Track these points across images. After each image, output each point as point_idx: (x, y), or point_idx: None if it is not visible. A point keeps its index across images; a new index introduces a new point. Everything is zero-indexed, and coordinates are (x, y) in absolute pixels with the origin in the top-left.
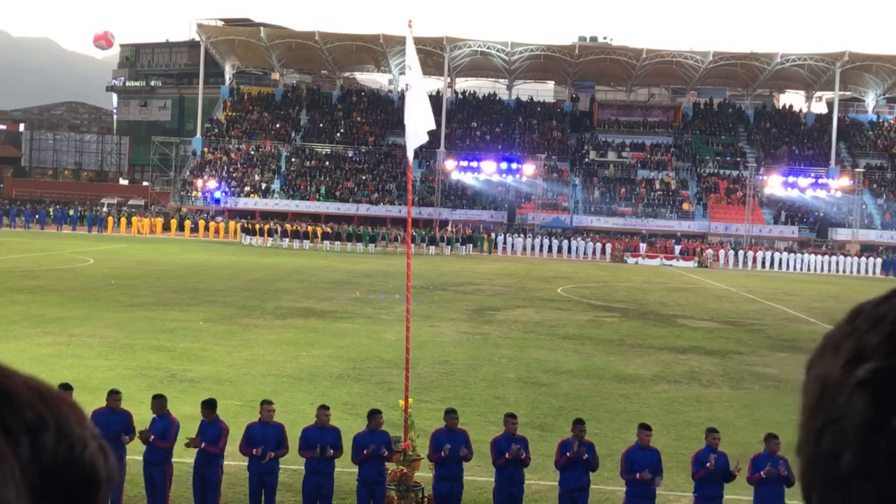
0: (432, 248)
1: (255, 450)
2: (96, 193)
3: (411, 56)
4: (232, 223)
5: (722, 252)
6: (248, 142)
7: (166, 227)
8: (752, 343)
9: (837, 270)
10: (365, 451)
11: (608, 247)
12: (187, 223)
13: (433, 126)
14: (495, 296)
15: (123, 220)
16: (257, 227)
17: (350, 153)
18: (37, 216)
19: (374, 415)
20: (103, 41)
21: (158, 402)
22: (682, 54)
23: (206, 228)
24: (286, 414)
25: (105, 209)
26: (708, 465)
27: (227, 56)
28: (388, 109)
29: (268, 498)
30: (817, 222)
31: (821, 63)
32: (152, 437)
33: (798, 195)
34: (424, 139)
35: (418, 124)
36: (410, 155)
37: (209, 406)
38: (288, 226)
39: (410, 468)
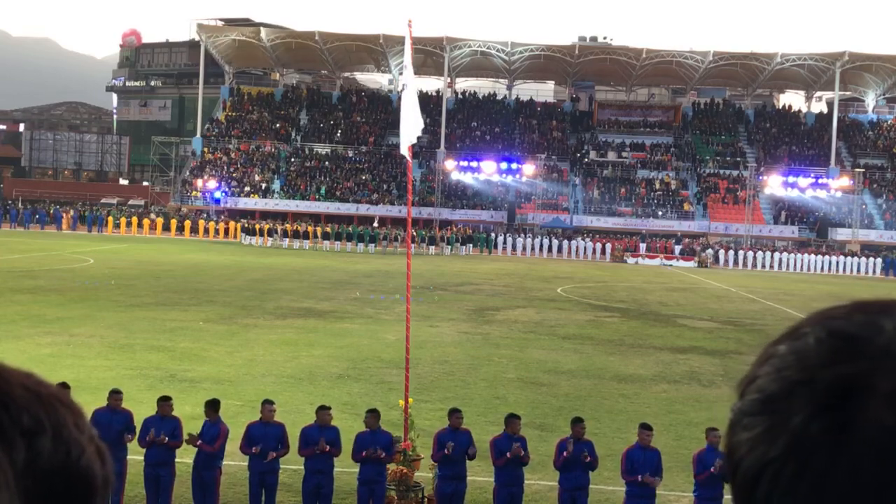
0: (432, 248)
1: (254, 448)
2: (96, 193)
3: (409, 56)
4: (232, 223)
5: (722, 252)
6: (248, 142)
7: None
8: (752, 343)
9: (837, 270)
10: (364, 453)
11: (608, 247)
12: (187, 223)
13: (421, 125)
14: (495, 296)
15: (123, 219)
16: (257, 227)
17: (350, 153)
18: (37, 216)
19: (367, 414)
20: (133, 37)
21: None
22: (682, 54)
23: (206, 229)
24: (286, 414)
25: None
26: (713, 469)
27: (226, 56)
28: (388, 109)
29: (268, 498)
30: (817, 222)
31: (821, 63)
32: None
33: (798, 195)
34: (413, 140)
35: (412, 123)
36: (404, 151)
37: (212, 406)
38: (288, 226)
39: (410, 468)
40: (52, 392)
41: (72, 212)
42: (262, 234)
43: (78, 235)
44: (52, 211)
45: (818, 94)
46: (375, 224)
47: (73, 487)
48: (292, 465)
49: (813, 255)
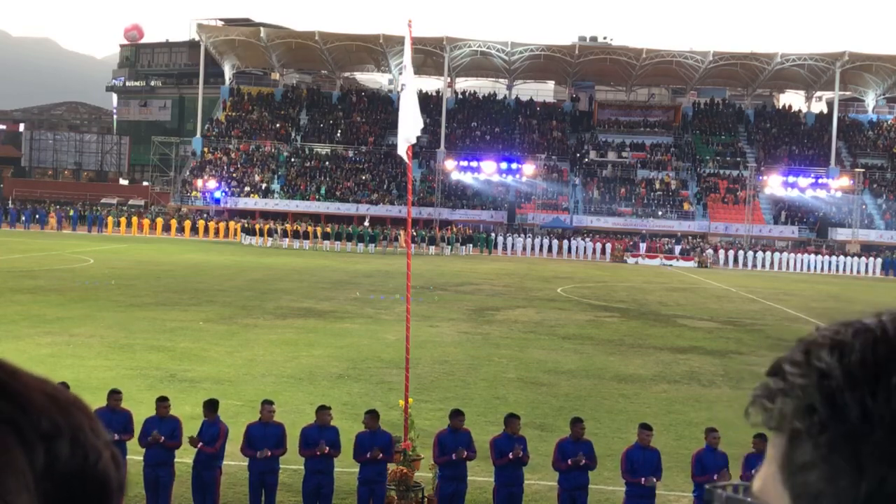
0: (432, 248)
1: (258, 453)
2: (96, 193)
3: (408, 56)
4: (232, 223)
5: (722, 252)
6: (248, 142)
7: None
8: (752, 343)
9: (837, 270)
10: (368, 455)
11: (608, 247)
12: (187, 223)
13: (421, 125)
14: (495, 296)
15: (123, 219)
16: (257, 227)
17: (350, 153)
18: (37, 216)
19: (365, 416)
20: (135, 31)
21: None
22: (682, 54)
23: (206, 229)
24: (286, 414)
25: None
26: (716, 478)
27: (227, 56)
28: (388, 109)
29: (268, 498)
30: (817, 222)
31: (821, 63)
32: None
33: (798, 195)
34: (412, 140)
35: (410, 124)
36: (401, 152)
37: (210, 406)
38: (288, 226)
39: (410, 468)
40: (69, 397)
41: (72, 211)
42: (262, 234)
43: (78, 235)
44: (50, 210)
45: (818, 94)
46: (367, 223)
47: (89, 491)
48: (292, 465)
49: (813, 255)
